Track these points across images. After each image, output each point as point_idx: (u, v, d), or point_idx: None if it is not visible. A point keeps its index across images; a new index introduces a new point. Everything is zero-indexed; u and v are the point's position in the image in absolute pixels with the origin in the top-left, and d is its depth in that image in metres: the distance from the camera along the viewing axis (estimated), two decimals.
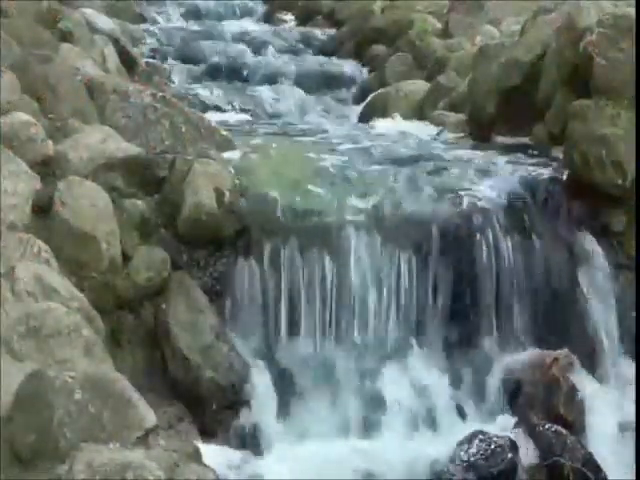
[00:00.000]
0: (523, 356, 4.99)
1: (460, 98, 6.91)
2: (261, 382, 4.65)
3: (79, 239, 4.44)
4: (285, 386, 4.69)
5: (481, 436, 4.53)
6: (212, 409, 4.53)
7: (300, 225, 4.89)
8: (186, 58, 9.31)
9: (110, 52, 6.69)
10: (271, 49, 9.90)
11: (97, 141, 4.94)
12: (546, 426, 4.64)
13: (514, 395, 4.90)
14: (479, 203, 5.15)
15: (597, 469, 4.56)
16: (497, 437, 4.55)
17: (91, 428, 3.12)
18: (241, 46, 9.78)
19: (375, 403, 4.74)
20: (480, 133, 6.27)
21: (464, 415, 4.83)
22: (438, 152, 5.88)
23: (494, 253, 5.05)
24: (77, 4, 7.00)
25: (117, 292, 4.54)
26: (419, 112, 7.30)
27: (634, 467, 4.65)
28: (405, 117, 7.26)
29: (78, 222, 4.44)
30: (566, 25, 5.69)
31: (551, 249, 5.18)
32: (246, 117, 7.88)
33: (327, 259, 4.84)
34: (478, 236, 5.05)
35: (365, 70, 9.23)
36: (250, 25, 11.10)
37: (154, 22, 10.70)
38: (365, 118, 7.60)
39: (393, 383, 4.80)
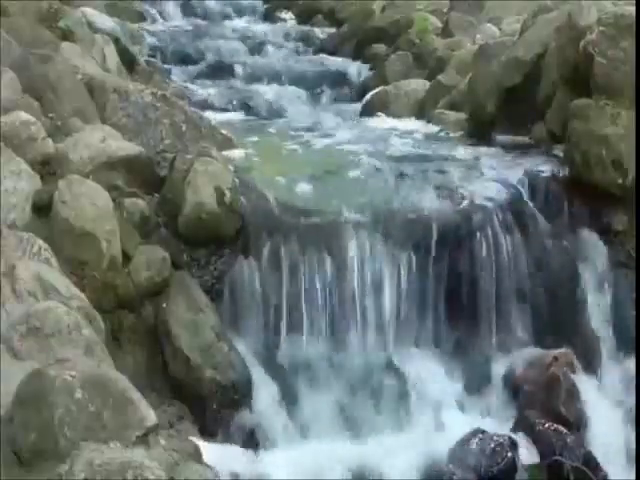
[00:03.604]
0: (523, 355, 4.99)
1: (460, 97, 6.91)
2: (261, 381, 4.65)
3: (79, 238, 4.44)
4: (285, 385, 4.70)
5: (481, 435, 4.54)
6: (212, 408, 4.53)
7: (300, 224, 4.90)
8: (186, 57, 9.30)
9: (110, 51, 6.69)
10: (271, 48, 9.90)
11: (97, 140, 4.94)
12: (546, 425, 4.65)
13: (514, 394, 4.90)
14: (479, 202, 5.15)
15: (597, 468, 4.57)
16: (497, 436, 4.56)
17: (92, 427, 3.11)
18: (241, 45, 9.78)
19: (375, 402, 4.74)
20: (480, 132, 6.27)
21: (464, 414, 4.83)
22: (438, 151, 5.88)
23: (494, 252, 5.05)
24: (77, 3, 7.00)
25: (117, 291, 4.54)
26: (419, 111, 7.29)
27: (634, 466, 4.66)
28: (405, 116, 7.26)
29: (78, 221, 4.44)
30: (566, 24, 5.69)
31: (551, 248, 5.18)
32: (246, 116, 7.88)
33: (327, 258, 4.84)
34: (478, 235, 5.06)
35: (365, 69, 9.22)
36: (250, 24, 11.10)
37: (154, 21, 10.69)
38: (365, 117, 7.59)
39: (392, 382, 4.80)
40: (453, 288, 5.01)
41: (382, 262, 4.91)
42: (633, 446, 4.74)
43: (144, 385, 4.05)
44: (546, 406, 4.80)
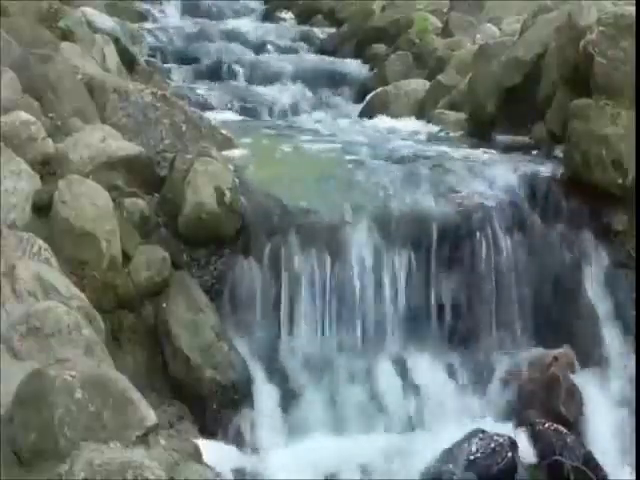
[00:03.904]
0: (523, 355, 4.99)
1: (460, 97, 6.91)
2: (261, 381, 4.65)
3: (79, 238, 4.44)
4: (285, 384, 4.70)
5: (481, 435, 4.54)
6: (212, 408, 4.53)
7: (300, 224, 4.89)
8: (186, 57, 9.30)
9: (110, 51, 6.68)
10: (271, 48, 9.90)
11: (97, 140, 4.94)
12: (546, 425, 4.65)
13: (514, 394, 4.90)
14: (479, 202, 5.15)
15: (597, 468, 4.57)
16: (497, 436, 4.55)
17: (91, 427, 3.11)
18: (241, 45, 9.79)
19: (375, 401, 4.75)
20: (480, 132, 6.27)
21: (464, 414, 4.83)
22: (438, 151, 5.88)
23: (494, 252, 5.06)
24: (77, 3, 6.99)
25: (117, 291, 4.54)
26: (419, 111, 7.30)
27: (634, 466, 4.66)
28: (405, 116, 7.27)
29: (78, 221, 4.44)
30: (566, 24, 5.69)
31: (551, 248, 5.18)
32: (246, 116, 7.88)
33: (327, 258, 4.84)
34: (478, 235, 5.06)
35: (365, 69, 9.22)
36: (250, 24, 11.09)
37: (154, 21, 10.69)
38: (365, 117, 7.60)
39: (393, 381, 4.80)
40: (453, 288, 5.01)
41: (382, 262, 4.91)
42: (633, 446, 4.74)
43: (144, 385, 4.05)
44: (546, 406, 4.80)
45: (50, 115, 5.13)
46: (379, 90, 8.00)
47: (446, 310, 4.99)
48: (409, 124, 6.96)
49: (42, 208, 4.52)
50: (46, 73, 5.30)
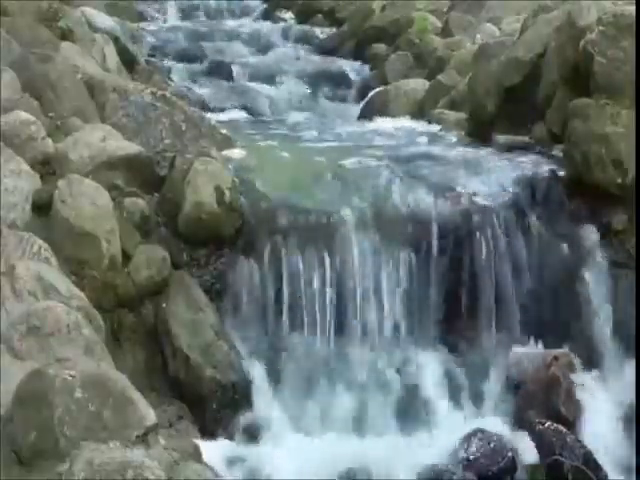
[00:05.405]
0: (523, 355, 4.99)
1: (460, 97, 6.91)
2: (261, 380, 4.65)
3: (79, 238, 4.44)
4: (285, 384, 4.69)
5: (481, 434, 4.55)
6: (212, 407, 4.53)
7: (300, 223, 4.90)
8: (186, 57, 9.31)
9: (110, 51, 6.69)
10: (270, 48, 9.90)
11: (97, 139, 4.94)
12: (546, 424, 4.65)
13: (514, 393, 4.90)
14: (479, 201, 5.15)
15: (597, 467, 4.56)
16: (497, 435, 4.56)
17: (91, 427, 3.11)
18: (241, 45, 9.79)
19: (375, 400, 4.74)
20: (480, 132, 6.26)
21: (464, 413, 4.83)
22: (438, 151, 5.88)
23: (494, 251, 5.05)
24: (77, 3, 6.99)
25: (117, 291, 4.55)
26: (419, 111, 7.30)
27: (634, 466, 4.65)
28: (405, 116, 7.26)
29: (78, 221, 4.45)
30: (566, 24, 5.69)
31: (551, 247, 5.18)
32: (245, 116, 7.88)
33: (327, 257, 4.84)
34: (478, 234, 5.06)
35: (365, 69, 9.23)
36: (250, 24, 11.10)
37: (154, 21, 10.70)
38: (365, 117, 7.60)
39: (393, 381, 4.80)
40: (453, 288, 5.01)
41: (382, 262, 4.91)
42: (633, 446, 4.74)
43: (144, 384, 4.05)
44: (546, 406, 4.80)
45: (50, 114, 5.14)
46: (379, 90, 8.00)
47: (446, 309, 4.99)
48: (409, 124, 6.96)
49: (42, 208, 4.52)
50: (46, 73, 5.30)
